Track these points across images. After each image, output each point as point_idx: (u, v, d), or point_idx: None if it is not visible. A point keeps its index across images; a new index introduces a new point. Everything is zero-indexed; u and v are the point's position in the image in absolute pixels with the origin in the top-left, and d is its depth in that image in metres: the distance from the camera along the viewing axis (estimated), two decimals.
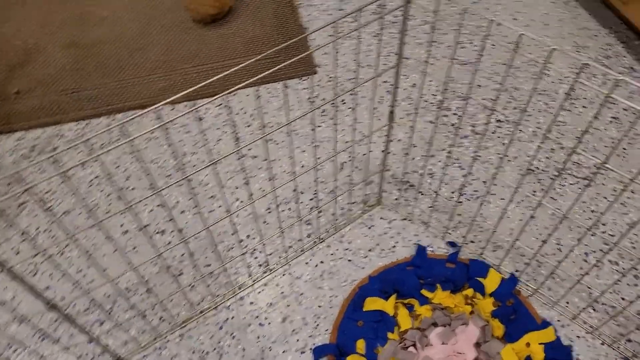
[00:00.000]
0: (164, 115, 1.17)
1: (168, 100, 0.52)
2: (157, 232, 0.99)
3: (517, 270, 0.89)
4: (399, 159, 1.06)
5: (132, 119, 0.51)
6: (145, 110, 0.48)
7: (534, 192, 0.99)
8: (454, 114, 1.13)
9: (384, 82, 1.20)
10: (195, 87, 0.53)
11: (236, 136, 1.14)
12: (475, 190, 1.00)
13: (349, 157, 1.07)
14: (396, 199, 0.99)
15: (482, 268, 0.87)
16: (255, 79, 0.55)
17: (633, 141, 1.08)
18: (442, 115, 1.13)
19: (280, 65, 0.58)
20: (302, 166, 1.06)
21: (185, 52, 1.27)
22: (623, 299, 0.86)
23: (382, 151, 1.02)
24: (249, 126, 1.13)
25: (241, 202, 1.01)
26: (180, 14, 1.38)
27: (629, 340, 0.81)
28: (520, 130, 1.09)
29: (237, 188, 1.03)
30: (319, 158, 1.07)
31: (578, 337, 0.82)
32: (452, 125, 1.11)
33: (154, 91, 1.19)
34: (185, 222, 1.00)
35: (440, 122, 1.11)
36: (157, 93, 1.18)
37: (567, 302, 0.85)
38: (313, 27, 1.32)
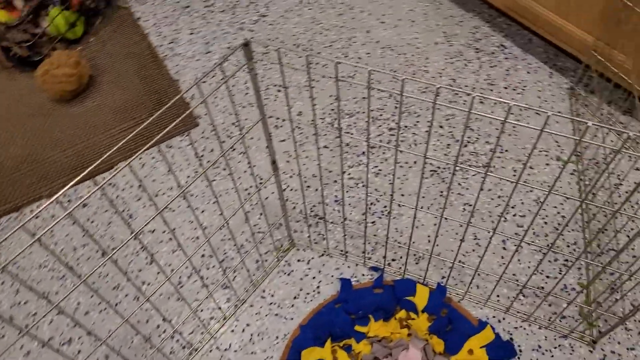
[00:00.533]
0: (41, 213, 1.08)
1: (47, 200, 0.46)
2: (64, 344, 0.91)
3: (443, 278, 0.90)
4: (301, 194, 1.05)
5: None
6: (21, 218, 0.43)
7: (441, 192, 1.01)
8: (347, 132, 1.14)
9: (270, 117, 1.19)
10: (75, 174, 0.48)
11: (128, 214, 1.08)
12: (384, 207, 1.00)
13: (251, 205, 1.04)
14: (308, 237, 0.98)
15: (408, 286, 0.87)
16: (138, 154, 0.52)
17: (520, 117, 1.13)
18: (335, 137, 1.13)
19: (163, 132, 0.54)
20: (205, 228, 1.02)
21: (50, 138, 1.20)
22: (547, 276, 0.89)
23: (278, 199, 1.00)
24: (139, 200, 1.08)
25: (149, 284, 0.96)
26: (36, 97, 1.30)
27: (563, 317, 0.84)
28: (414, 133, 1.12)
29: (140, 271, 0.98)
30: (220, 214, 1.04)
31: (516, 328, 0.84)
32: (347, 144, 1.12)
33: (23, 189, 1.10)
34: (92, 322, 0.92)
35: (335, 145, 1.12)
36: (27, 191, 1.09)
37: (498, 296, 0.87)
38: (183, 78, 1.29)
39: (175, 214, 1.05)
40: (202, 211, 1.04)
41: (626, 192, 1.00)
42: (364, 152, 1.10)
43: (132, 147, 1.15)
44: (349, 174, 1.06)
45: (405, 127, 1.13)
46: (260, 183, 1.06)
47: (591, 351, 0.81)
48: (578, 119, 0.53)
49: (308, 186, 1.06)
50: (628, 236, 0.93)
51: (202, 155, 1.13)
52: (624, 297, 0.87)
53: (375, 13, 1.43)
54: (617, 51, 1.03)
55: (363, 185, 1.04)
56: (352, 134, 1.13)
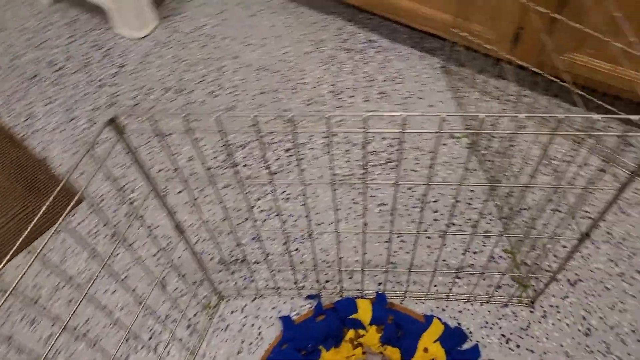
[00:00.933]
0: None
1: None
2: None
3: (379, 284, 0.90)
4: (214, 243, 1.01)
5: None
6: None
7: (353, 199, 1.03)
8: (244, 165, 1.12)
9: (159, 171, 1.13)
10: None
11: (28, 321, 0.98)
12: (302, 230, 1.00)
13: (165, 269, 0.99)
14: (235, 284, 0.94)
15: (349, 304, 0.86)
16: (33, 255, 0.45)
17: (407, 104, 1.18)
18: (234, 174, 1.11)
19: (54, 230, 0.49)
20: (121, 309, 0.95)
21: None
22: (474, 252, 0.93)
23: (192, 254, 0.96)
24: (38, 300, 0.98)
25: None
26: None
27: (499, 287, 0.88)
28: (312, 148, 1.12)
29: None
30: (134, 290, 0.97)
31: (460, 312, 0.86)
32: (247, 177, 1.10)
33: None
34: None
35: (235, 181, 1.09)
36: None
37: (435, 286, 0.89)
38: (52, 154, 1.19)
39: (84, 305, 0.96)
40: (114, 292, 0.97)
41: (520, 151, 1.07)
42: (269, 181, 1.08)
43: (17, 243, 1.05)
44: (259, 207, 1.04)
45: (302, 143, 1.13)
46: (169, 244, 1.01)
47: (532, 311, 0.86)
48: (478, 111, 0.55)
49: (220, 232, 1.02)
50: (533, 192, 1.00)
51: (97, 232, 1.05)
52: (547, 252, 0.93)
53: (238, 37, 1.42)
54: (476, 24, 1.10)
55: (276, 215, 1.02)
56: (249, 165, 1.11)
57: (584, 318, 0.86)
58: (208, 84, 1.29)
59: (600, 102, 1.03)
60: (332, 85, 1.25)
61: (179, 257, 1.00)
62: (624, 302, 0.88)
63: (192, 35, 1.44)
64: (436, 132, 0.53)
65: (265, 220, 1.02)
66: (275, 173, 1.09)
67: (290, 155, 1.12)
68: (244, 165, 1.12)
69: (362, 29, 1.40)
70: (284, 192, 1.06)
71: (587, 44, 0.99)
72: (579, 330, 0.84)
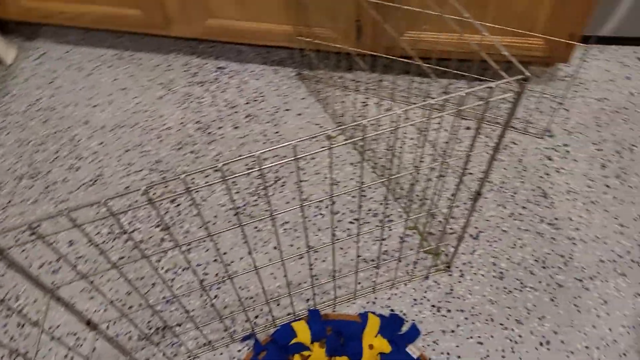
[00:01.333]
0: None
1: None
2: None
3: (308, 301, 0.93)
4: (127, 321, 0.96)
5: None
6: None
7: (256, 227, 1.04)
8: (132, 231, 1.08)
9: (41, 266, 1.05)
10: None
11: None
12: (216, 275, 0.99)
13: None
14: (163, 354, 0.91)
15: (286, 331, 0.88)
16: None
17: (278, 115, 1.21)
18: (125, 243, 1.06)
19: None
20: None
21: None
22: (384, 239, 0.99)
23: (109, 340, 0.91)
24: None
25: None
26: None
27: (416, 263, 0.95)
28: (197, 191, 1.11)
29: None
30: None
31: (389, 299, 0.91)
32: (141, 241, 1.06)
33: None
34: None
35: (128, 250, 1.05)
36: None
37: (359, 283, 0.94)
38: None
39: None
40: None
41: (391, 134, 1.15)
42: (161, 239, 1.05)
43: None
44: (162, 267, 1.01)
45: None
46: (77, 340, 0.94)
47: (450, 274, 0.94)
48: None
49: (130, 306, 0.98)
50: (416, 166, 1.09)
51: None
52: (448, 218, 1.01)
53: (81, 101, 1.36)
54: (316, 27, 1.17)
55: (184, 270, 1.00)
56: (138, 229, 1.08)
57: (494, 264, 0.95)
58: (64, 159, 1.22)
59: (447, 69, 1.14)
60: (196, 122, 1.25)
61: (94, 349, 0.94)
62: (521, 238, 0.99)
63: (29, 113, 1.35)
64: (323, 149, 0.56)
65: (173, 278, 1.00)
66: (169, 227, 1.07)
67: (178, 205, 1.10)
68: (133, 231, 1.08)
69: (209, 59, 1.41)
70: (183, 244, 1.04)
71: (421, 20, 1.09)
72: (494, 277, 0.93)
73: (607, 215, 1.02)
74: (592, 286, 0.92)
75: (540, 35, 1.07)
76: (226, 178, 0.54)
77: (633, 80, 1.28)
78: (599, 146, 1.14)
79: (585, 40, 1.35)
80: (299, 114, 1.23)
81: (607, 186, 1.06)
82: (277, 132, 1.20)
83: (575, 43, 1.06)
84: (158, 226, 1.08)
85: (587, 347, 0.85)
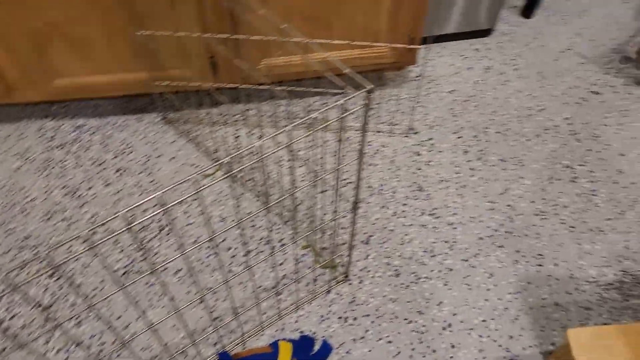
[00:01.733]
0: None
1: None
2: None
3: (216, 344, 0.92)
4: None
5: None
6: None
7: (147, 283, 1.01)
8: (11, 318, 1.00)
9: None
10: None
11: None
12: (113, 342, 0.94)
13: None
14: None
15: None
16: None
17: (150, 161, 1.19)
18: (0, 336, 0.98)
19: None
20: None
21: None
22: (281, 264, 1.01)
23: None
24: None
25: None
26: None
27: (315, 281, 0.98)
28: (75, 260, 1.06)
29: None
30: None
31: (296, 321, 0.93)
32: (23, 327, 0.98)
33: None
34: None
35: (12, 337, 0.97)
36: None
37: (264, 313, 0.94)
38: None
39: None
40: None
41: (268, 158, 1.18)
42: (46, 318, 0.99)
43: None
44: (53, 347, 0.95)
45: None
46: None
47: (350, 283, 0.98)
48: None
49: None
50: (296, 186, 1.12)
51: None
52: (335, 230, 1.06)
53: None
54: (171, 70, 1.17)
55: (77, 345, 0.94)
56: (18, 314, 1.00)
57: (388, 264, 1.01)
58: None
59: (306, 89, 1.20)
60: (63, 187, 1.19)
61: None
62: (407, 233, 1.05)
63: None
64: (198, 190, 0.57)
65: (67, 357, 0.94)
66: (51, 306, 1.00)
67: (58, 279, 1.04)
68: (12, 318, 1.00)
69: (64, 119, 1.36)
70: (71, 318, 0.98)
71: (274, 47, 1.14)
72: (390, 276, 0.99)
73: (477, 196, 1.12)
74: (477, 263, 1.01)
75: (383, 44, 1.16)
76: (100, 241, 0.53)
77: (475, 70, 1.43)
78: (459, 134, 1.25)
79: (424, 41, 1.48)
80: (173, 158, 1.22)
81: (472, 169, 1.17)
82: (152, 181, 1.18)
83: (415, 46, 1.16)
84: (40, 306, 1.01)
85: (484, 321, 0.93)
